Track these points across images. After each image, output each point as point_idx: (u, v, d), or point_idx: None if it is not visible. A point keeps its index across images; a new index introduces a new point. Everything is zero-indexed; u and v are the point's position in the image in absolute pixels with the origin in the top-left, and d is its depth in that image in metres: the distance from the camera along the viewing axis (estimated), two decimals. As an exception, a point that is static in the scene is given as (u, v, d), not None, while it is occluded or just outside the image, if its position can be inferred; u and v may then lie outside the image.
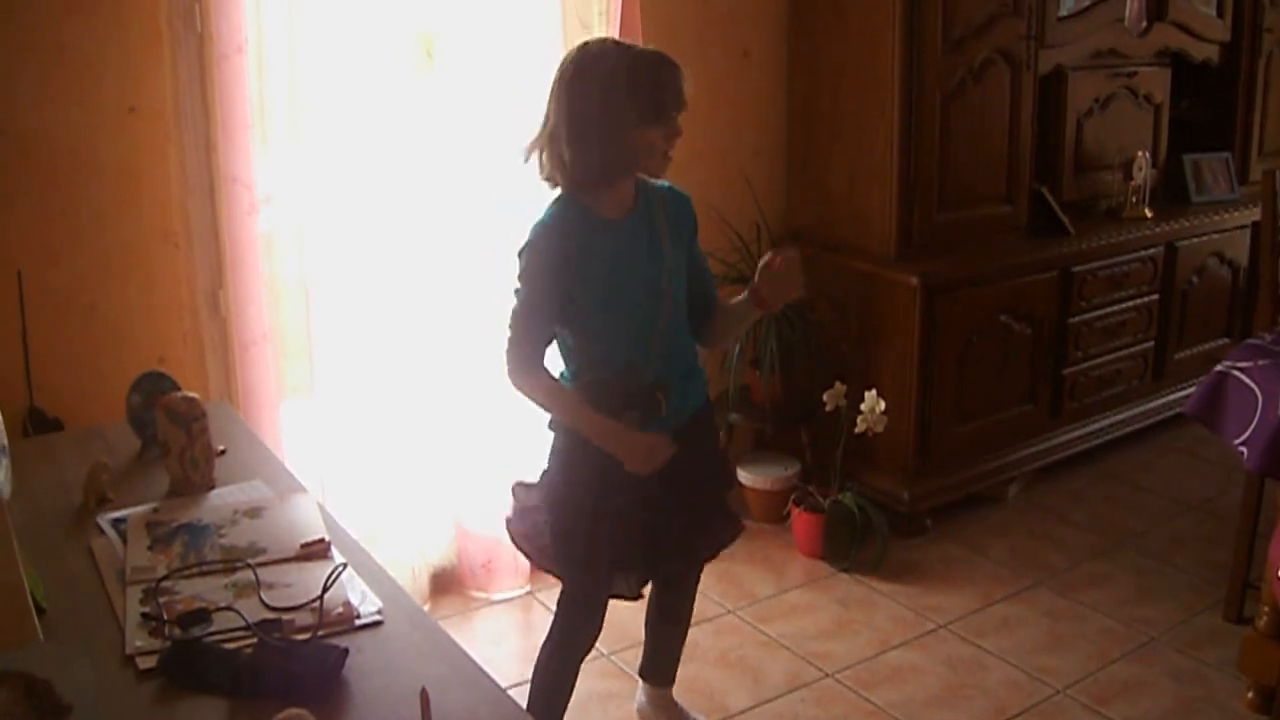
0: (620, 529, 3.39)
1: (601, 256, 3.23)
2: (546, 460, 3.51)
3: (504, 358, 3.28)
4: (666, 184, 3.44)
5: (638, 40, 4.68)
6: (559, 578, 3.59)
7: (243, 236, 4.17)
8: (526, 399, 3.33)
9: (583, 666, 4.11)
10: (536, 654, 3.71)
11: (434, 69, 4.51)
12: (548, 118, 3.20)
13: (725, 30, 5.44)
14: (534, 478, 3.56)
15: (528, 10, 4.52)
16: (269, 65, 4.19)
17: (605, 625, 3.88)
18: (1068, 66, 5.82)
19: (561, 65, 3.19)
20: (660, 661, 4.06)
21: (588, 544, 3.42)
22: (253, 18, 4.08)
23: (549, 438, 3.48)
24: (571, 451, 3.41)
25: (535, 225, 3.24)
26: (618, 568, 3.51)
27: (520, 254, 3.23)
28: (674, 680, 4.09)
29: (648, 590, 3.75)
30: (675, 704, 4.10)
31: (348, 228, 4.50)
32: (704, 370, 3.60)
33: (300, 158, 4.33)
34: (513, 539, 3.61)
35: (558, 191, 3.28)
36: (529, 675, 3.99)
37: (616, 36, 3.19)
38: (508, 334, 3.27)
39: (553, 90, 3.18)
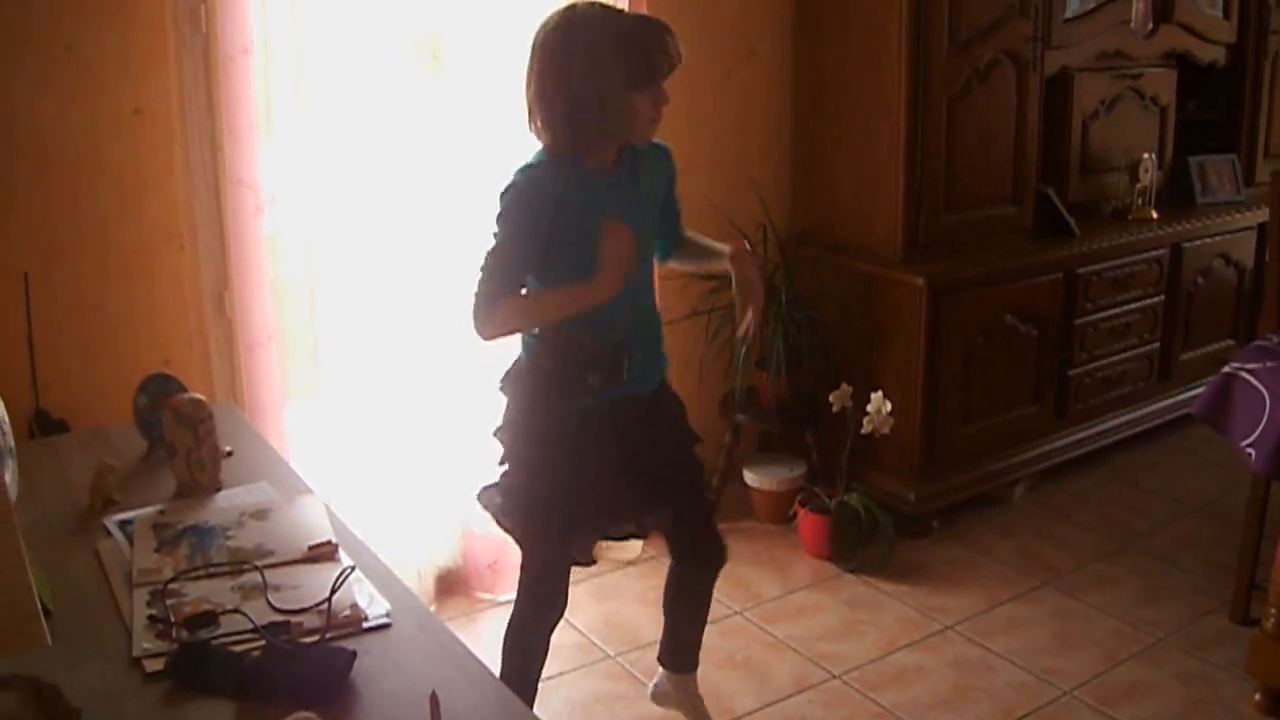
0: (578, 497, 3.38)
1: (584, 205, 3.19)
2: (503, 431, 3.49)
3: (471, 301, 3.20)
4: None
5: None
6: (518, 541, 3.58)
7: (248, 237, 4.17)
8: (497, 334, 3.25)
9: (590, 667, 4.12)
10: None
11: (440, 70, 4.51)
12: (530, 82, 3.16)
13: (731, 32, 5.44)
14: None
15: (534, 11, 4.51)
16: (274, 66, 4.21)
17: (613, 627, 3.89)
18: (1074, 68, 5.81)
19: (545, 27, 3.14)
20: (679, 646, 3.97)
21: (548, 515, 3.41)
22: (258, 19, 4.08)
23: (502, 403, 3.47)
24: (527, 423, 3.41)
25: (520, 167, 3.20)
26: (576, 530, 3.52)
27: (503, 194, 3.18)
28: (696, 666, 4.00)
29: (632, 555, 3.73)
30: (698, 694, 4.01)
31: (353, 229, 4.50)
32: (664, 353, 3.58)
33: (305, 159, 4.34)
34: (487, 509, 3.59)
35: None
36: (543, 674, 3.99)
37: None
38: (477, 277, 3.20)
39: (536, 53, 3.14)
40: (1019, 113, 5.48)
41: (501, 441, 3.49)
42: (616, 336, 3.28)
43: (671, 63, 3.15)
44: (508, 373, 3.46)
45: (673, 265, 3.70)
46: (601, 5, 3.16)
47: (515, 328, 3.29)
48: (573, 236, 3.19)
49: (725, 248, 3.56)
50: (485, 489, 3.57)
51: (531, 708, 3.68)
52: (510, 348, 3.46)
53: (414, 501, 4.73)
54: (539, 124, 3.19)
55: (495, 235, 3.21)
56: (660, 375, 3.55)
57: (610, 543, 3.78)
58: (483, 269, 3.20)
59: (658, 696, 4.08)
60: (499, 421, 3.49)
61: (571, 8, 3.16)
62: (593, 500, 3.41)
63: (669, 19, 5.05)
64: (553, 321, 3.25)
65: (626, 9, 4.63)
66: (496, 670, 3.51)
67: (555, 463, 3.36)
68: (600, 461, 3.38)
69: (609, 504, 3.47)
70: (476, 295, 3.20)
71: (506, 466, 3.49)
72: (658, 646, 4.04)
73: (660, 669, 4.04)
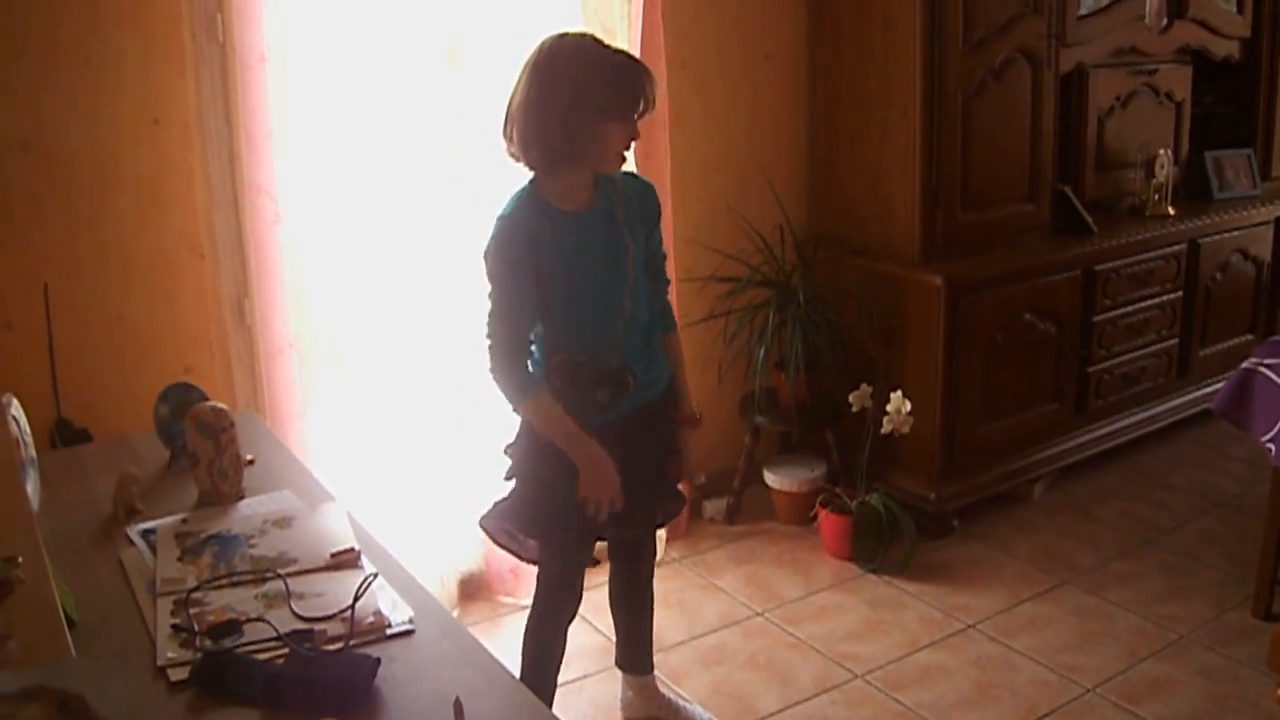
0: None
1: (563, 247, 3.28)
2: (514, 447, 3.58)
3: (487, 356, 3.33)
4: (627, 172, 3.49)
5: (659, 45, 4.71)
6: (533, 561, 3.66)
7: (267, 245, 4.18)
8: (503, 398, 3.38)
9: (614, 670, 4.15)
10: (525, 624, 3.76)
11: (456, 74, 4.51)
12: (515, 96, 3.27)
13: (746, 34, 5.45)
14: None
15: (549, 15, 4.53)
16: (291, 74, 4.21)
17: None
18: (1088, 65, 5.81)
19: (539, 50, 3.24)
20: (634, 648, 4.11)
21: (563, 522, 3.49)
22: (274, 27, 4.09)
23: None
24: (543, 439, 3.47)
25: (497, 219, 3.29)
26: (596, 536, 3.64)
27: (486, 254, 3.28)
28: (653, 667, 4.14)
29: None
30: (660, 692, 4.14)
31: (372, 234, 4.52)
32: (664, 354, 3.65)
33: (323, 165, 4.35)
34: (490, 536, 3.67)
35: (524, 182, 3.36)
36: (558, 680, 4.00)
37: (623, 41, 3.29)
38: (486, 332, 3.32)
39: (526, 72, 3.24)
40: (1034, 110, 5.47)
41: (513, 456, 3.58)
42: (619, 359, 3.41)
43: (648, 104, 3.25)
44: None
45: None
46: (593, 38, 3.27)
47: (521, 411, 3.43)
48: (558, 274, 3.29)
49: (684, 406, 3.74)
50: (489, 514, 3.64)
51: (551, 703, 3.81)
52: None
53: (435, 506, 4.74)
54: (515, 138, 3.29)
55: (492, 295, 3.31)
56: (663, 381, 3.64)
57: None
58: (490, 326, 3.32)
59: (628, 708, 4.17)
60: (512, 439, 3.59)
61: (564, 35, 3.26)
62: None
63: (683, 24, 5.12)
64: (548, 436, 3.38)
65: (643, 16, 4.65)
66: (518, 672, 3.56)
67: (571, 474, 3.41)
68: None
69: (618, 509, 3.54)
70: (492, 351, 3.33)
71: (517, 481, 3.58)
72: (615, 650, 4.19)
73: (620, 674, 4.17)
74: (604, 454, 3.35)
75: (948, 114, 5.14)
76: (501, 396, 3.38)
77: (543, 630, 3.74)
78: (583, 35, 3.27)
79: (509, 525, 3.59)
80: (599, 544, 3.76)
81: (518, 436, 3.56)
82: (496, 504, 3.61)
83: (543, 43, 3.25)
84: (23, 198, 3.98)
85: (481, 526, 3.64)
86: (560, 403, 3.37)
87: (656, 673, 4.17)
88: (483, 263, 3.29)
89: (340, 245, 4.48)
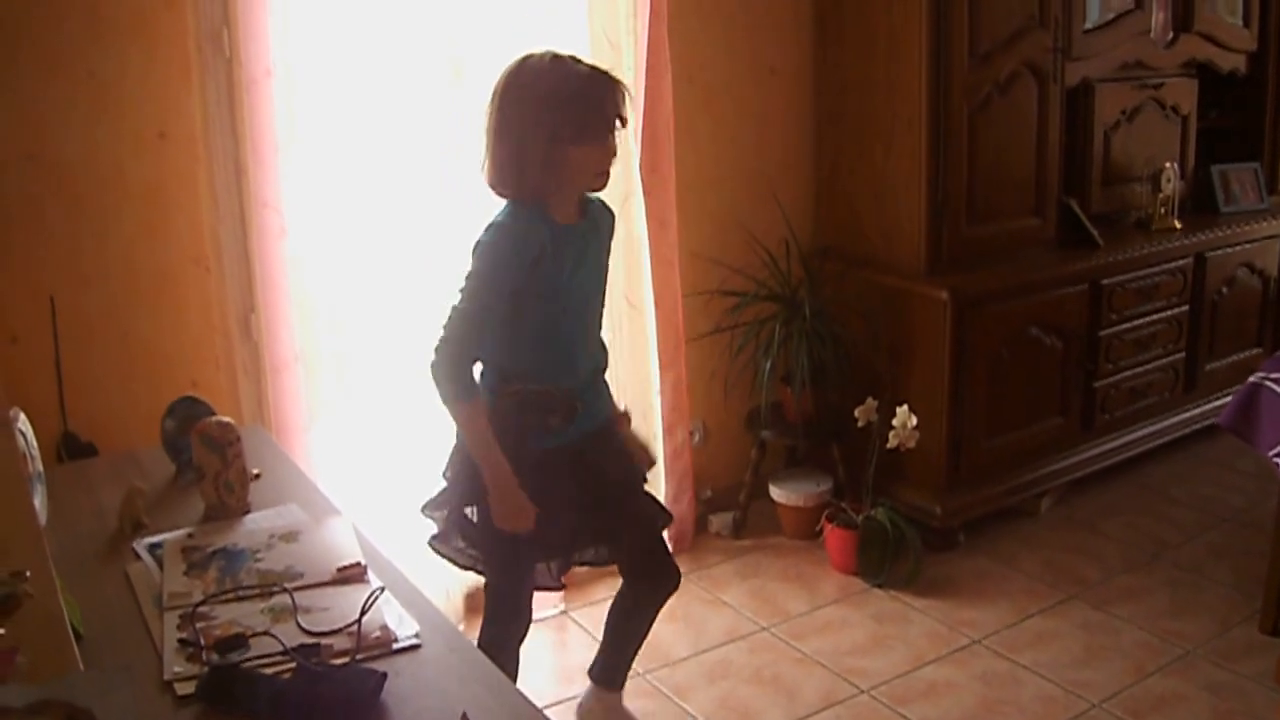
0: (543, 526, 3.40)
1: (558, 260, 3.24)
2: (450, 460, 3.55)
3: (433, 351, 3.23)
4: (595, 196, 3.45)
5: (665, 60, 4.71)
6: (481, 574, 3.64)
7: (273, 259, 4.17)
8: (441, 400, 3.28)
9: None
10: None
11: (462, 90, 4.52)
12: (485, 129, 3.24)
13: (752, 48, 5.45)
14: (434, 493, 3.63)
15: (556, 31, 4.53)
16: (297, 88, 4.21)
17: (644, 645, 3.89)
18: (1094, 79, 5.81)
19: (502, 75, 3.21)
20: (615, 663, 3.99)
21: (510, 542, 3.43)
22: (280, 41, 4.09)
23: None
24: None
25: (491, 226, 3.24)
26: (539, 559, 3.60)
27: (476, 251, 3.22)
28: (624, 685, 4.03)
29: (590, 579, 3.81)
30: (624, 710, 4.04)
31: (377, 249, 4.52)
32: (607, 383, 3.65)
33: (329, 179, 4.35)
34: (436, 550, 3.65)
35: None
36: (565, 694, 3.99)
37: (565, 52, 3.23)
38: (444, 327, 3.23)
39: (492, 99, 3.21)
40: (1040, 124, 5.47)
41: (455, 479, 3.53)
42: (574, 379, 3.41)
43: (610, 120, 3.19)
44: None
45: None
46: (554, 57, 3.21)
47: (457, 418, 3.32)
48: (543, 291, 3.26)
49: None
50: (438, 534, 3.63)
51: None
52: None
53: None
54: (488, 165, 3.26)
55: (466, 292, 3.23)
56: (606, 410, 3.61)
57: (584, 567, 3.87)
58: (451, 322, 3.23)
59: (583, 715, 4.07)
60: (448, 461, 3.56)
61: (526, 58, 3.22)
62: (558, 528, 3.48)
63: (689, 39, 5.12)
64: (473, 452, 3.33)
65: (649, 32, 4.65)
66: (525, 688, 3.51)
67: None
68: (561, 492, 3.44)
69: (572, 531, 3.55)
70: (442, 349, 3.23)
71: (453, 498, 3.56)
72: (593, 659, 4.05)
73: (590, 685, 4.04)
74: (517, 486, 3.30)
75: (953, 128, 5.14)
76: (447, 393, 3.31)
77: (494, 649, 3.55)
78: (541, 56, 3.21)
79: (457, 541, 3.58)
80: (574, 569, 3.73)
81: (451, 455, 3.53)
82: (440, 527, 3.62)
83: (504, 70, 3.22)
84: (28, 209, 3.99)
85: (434, 550, 3.64)
86: (512, 425, 3.35)
87: (660, 686, 4.15)
88: (469, 255, 3.23)
89: (346, 259, 4.47)
